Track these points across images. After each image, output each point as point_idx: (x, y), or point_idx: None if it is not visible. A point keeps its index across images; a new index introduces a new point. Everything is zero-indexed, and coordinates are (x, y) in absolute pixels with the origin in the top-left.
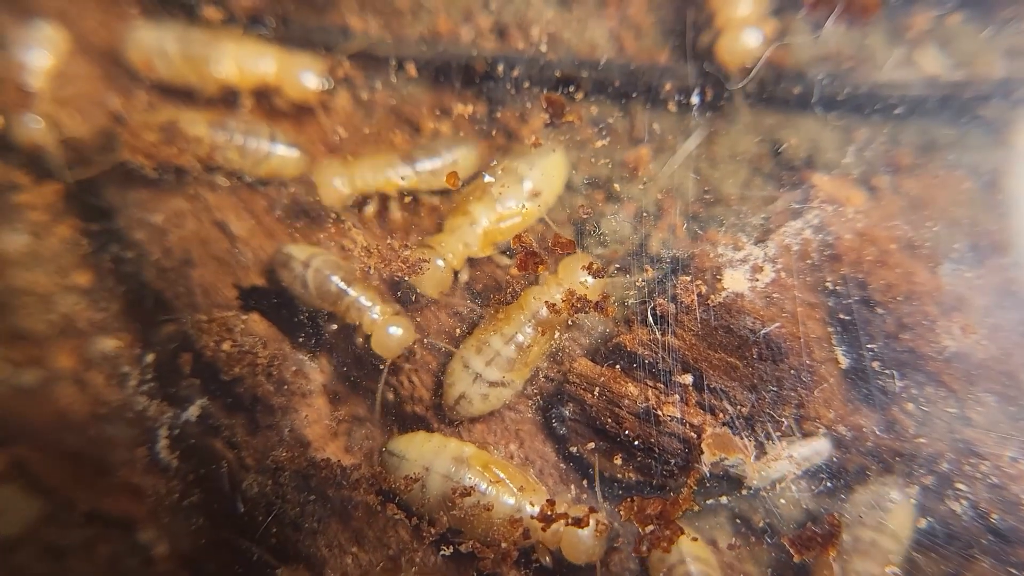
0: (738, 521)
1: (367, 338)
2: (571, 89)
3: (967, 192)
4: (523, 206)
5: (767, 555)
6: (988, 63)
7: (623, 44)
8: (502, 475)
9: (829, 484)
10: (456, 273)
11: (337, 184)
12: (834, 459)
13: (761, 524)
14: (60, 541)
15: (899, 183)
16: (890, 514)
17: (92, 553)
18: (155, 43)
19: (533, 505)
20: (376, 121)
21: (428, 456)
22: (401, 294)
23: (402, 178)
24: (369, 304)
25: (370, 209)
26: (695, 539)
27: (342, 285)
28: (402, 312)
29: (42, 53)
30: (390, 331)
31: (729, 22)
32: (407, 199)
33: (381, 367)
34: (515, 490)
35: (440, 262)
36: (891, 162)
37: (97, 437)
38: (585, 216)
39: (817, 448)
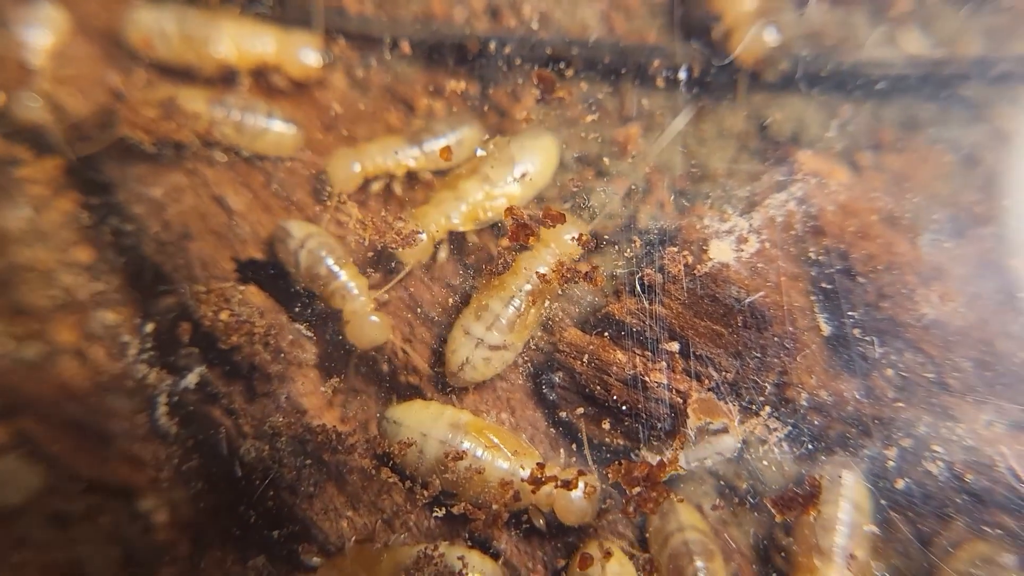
0: (722, 483)
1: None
2: (561, 66)
3: (947, 166)
4: (511, 187)
5: (751, 518)
6: (967, 42)
7: (613, 24)
8: (496, 440)
9: (810, 447)
10: (436, 247)
11: (349, 170)
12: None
13: (744, 487)
14: (63, 510)
15: (881, 158)
16: (848, 489)
17: (94, 521)
18: (154, 24)
19: (525, 469)
20: (371, 99)
21: (426, 423)
22: (382, 267)
23: (412, 159)
24: (356, 293)
25: (375, 188)
26: (681, 500)
27: (334, 268)
28: (384, 310)
29: (43, 32)
30: (371, 320)
31: (740, 18)
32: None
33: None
34: (509, 455)
35: (422, 234)
36: (873, 138)
37: (98, 408)
38: (575, 190)
39: (725, 445)
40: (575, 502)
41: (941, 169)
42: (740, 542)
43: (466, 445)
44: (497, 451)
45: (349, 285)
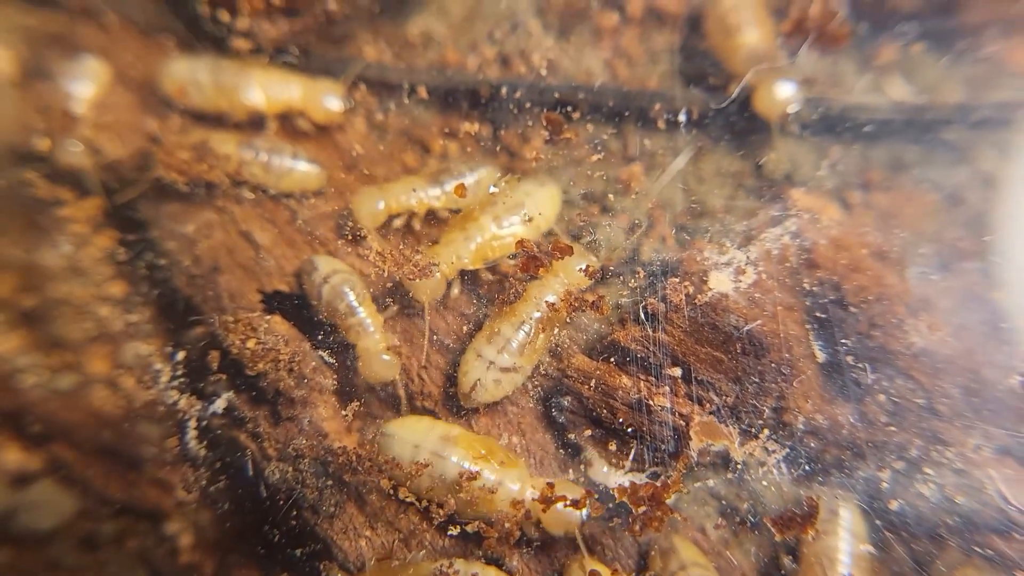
0: (723, 503)
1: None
2: (568, 109)
3: (932, 205)
4: (516, 230)
5: (752, 538)
6: (948, 90)
7: (616, 71)
8: (484, 451)
9: (807, 468)
10: (449, 283)
11: (374, 208)
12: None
13: (745, 507)
14: (94, 533)
15: (870, 197)
16: (847, 520)
17: (123, 545)
18: (189, 73)
19: (515, 482)
20: (389, 141)
21: (418, 435)
22: (399, 299)
23: (434, 198)
24: (371, 330)
25: (396, 224)
26: (685, 518)
27: (353, 305)
28: (396, 349)
29: (86, 83)
30: (382, 359)
31: (761, 77)
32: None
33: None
34: (496, 465)
35: (435, 272)
36: (862, 177)
37: (129, 434)
38: (581, 224)
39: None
40: (560, 512)
41: (926, 207)
42: (743, 563)
43: (456, 457)
44: (485, 462)
45: (366, 322)
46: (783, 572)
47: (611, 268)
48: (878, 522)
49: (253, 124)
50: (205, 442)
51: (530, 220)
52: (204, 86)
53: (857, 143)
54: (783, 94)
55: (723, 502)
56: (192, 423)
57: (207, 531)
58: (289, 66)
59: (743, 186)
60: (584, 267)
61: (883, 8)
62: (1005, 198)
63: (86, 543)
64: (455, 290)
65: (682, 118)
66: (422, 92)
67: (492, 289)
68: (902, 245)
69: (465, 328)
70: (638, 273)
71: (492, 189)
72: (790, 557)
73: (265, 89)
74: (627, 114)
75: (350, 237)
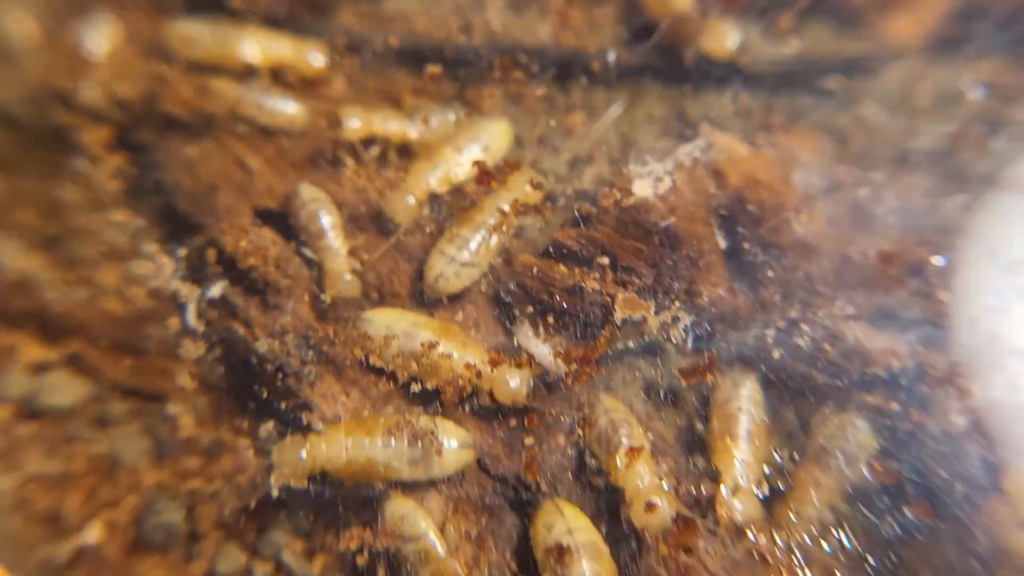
0: (647, 381)
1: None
2: (522, 59)
3: (822, 143)
4: (474, 155)
5: (671, 412)
6: (833, 48)
7: (562, 41)
8: (448, 334)
9: (708, 329)
10: (420, 206)
11: (405, 203)
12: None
13: (664, 383)
14: (105, 413)
15: (773, 137)
16: (747, 388)
17: (131, 423)
18: (192, 31)
19: (473, 359)
20: (366, 95)
21: (392, 319)
22: (381, 223)
23: (408, 128)
24: (338, 253)
25: (374, 151)
26: (603, 371)
27: (325, 228)
28: (360, 273)
29: (102, 39)
30: (344, 278)
31: (708, 25)
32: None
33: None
34: (460, 344)
35: (410, 198)
36: (765, 121)
37: (136, 331)
38: (532, 160)
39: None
40: (509, 382)
41: (818, 145)
42: (665, 431)
43: (423, 337)
44: (448, 341)
45: (334, 245)
46: (697, 435)
47: (555, 191)
48: (763, 367)
49: (247, 76)
50: (203, 320)
51: (486, 148)
52: (205, 41)
53: (761, 93)
54: (727, 33)
55: (646, 381)
56: (192, 306)
57: (204, 412)
58: (280, 27)
59: (668, 128)
60: (531, 180)
61: None
62: (876, 134)
63: (99, 421)
64: (424, 210)
65: (611, 59)
66: (393, 42)
67: (453, 202)
68: (792, 163)
69: (429, 228)
70: (576, 185)
71: (452, 117)
72: (701, 421)
73: (259, 44)
74: (570, 68)
75: (327, 162)
